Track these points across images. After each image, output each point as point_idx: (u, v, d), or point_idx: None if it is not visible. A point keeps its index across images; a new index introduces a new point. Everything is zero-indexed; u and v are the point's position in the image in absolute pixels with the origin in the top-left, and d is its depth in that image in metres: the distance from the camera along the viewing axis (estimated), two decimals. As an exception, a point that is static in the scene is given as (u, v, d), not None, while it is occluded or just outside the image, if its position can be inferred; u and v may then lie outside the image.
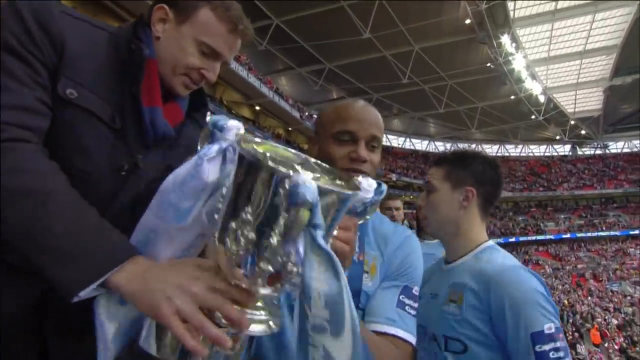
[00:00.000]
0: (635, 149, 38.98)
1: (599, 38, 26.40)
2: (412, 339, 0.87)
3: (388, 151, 37.41)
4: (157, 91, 0.91)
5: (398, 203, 2.89)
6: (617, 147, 39.91)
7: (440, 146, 40.26)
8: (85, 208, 0.70)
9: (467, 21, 23.13)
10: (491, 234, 32.00)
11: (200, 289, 0.55)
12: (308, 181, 0.46)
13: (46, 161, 0.73)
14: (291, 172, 0.46)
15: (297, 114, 25.63)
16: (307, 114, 27.39)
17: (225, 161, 0.55)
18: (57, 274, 0.62)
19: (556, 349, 1.02)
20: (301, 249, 0.48)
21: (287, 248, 0.48)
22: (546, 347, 1.02)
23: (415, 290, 0.93)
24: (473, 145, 40.34)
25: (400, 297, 0.90)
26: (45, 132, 0.78)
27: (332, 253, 0.48)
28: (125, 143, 0.89)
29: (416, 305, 0.92)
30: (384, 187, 0.74)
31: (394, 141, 38.88)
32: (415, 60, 25.30)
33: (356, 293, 0.89)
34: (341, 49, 24.10)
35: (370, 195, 0.66)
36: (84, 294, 0.61)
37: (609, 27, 25.48)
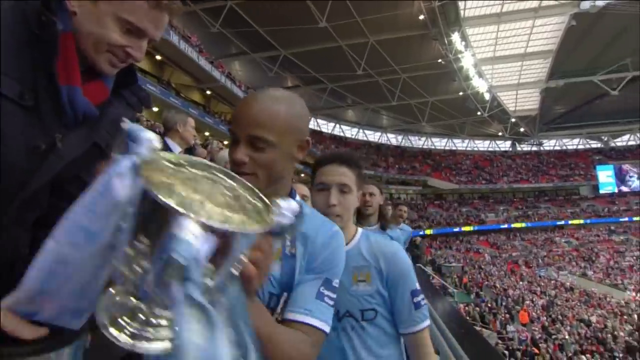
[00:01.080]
0: (565, 147, 42.39)
1: (538, 42, 28.08)
2: (327, 328, 0.93)
3: (342, 141, 37.78)
4: (74, 68, 0.84)
5: (373, 189, 2.76)
6: (550, 144, 42.85)
7: (392, 138, 41.22)
8: None
9: (421, 17, 23.62)
10: (437, 224, 33.98)
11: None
12: (189, 234, 0.43)
13: None
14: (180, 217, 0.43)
15: None
16: None
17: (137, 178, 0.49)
18: None
19: (423, 298, 1.40)
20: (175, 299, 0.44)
21: (162, 295, 0.45)
22: (419, 298, 1.38)
23: (336, 282, 0.98)
24: (423, 139, 42.07)
25: (321, 289, 0.94)
26: None
27: (209, 308, 0.44)
28: (41, 122, 0.82)
29: (334, 296, 0.97)
30: (307, 210, 0.81)
31: (348, 132, 39.32)
32: (370, 52, 25.48)
33: (291, 287, 0.94)
34: (297, 36, 23.64)
35: (286, 220, 0.59)
36: None
37: (546, 33, 27.21)
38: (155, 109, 19.39)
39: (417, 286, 1.40)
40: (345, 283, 1.31)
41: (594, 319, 18.98)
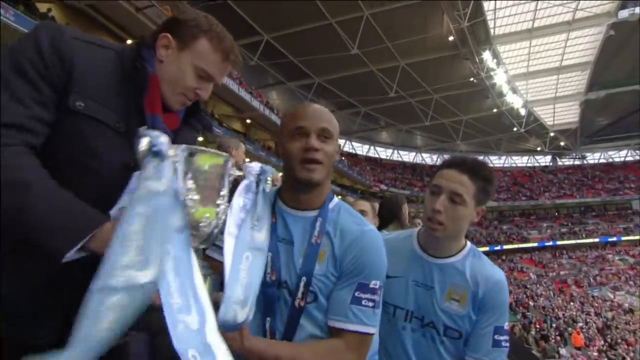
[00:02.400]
0: (611, 160, 40.63)
1: (574, 55, 27.69)
2: (369, 329, 1.02)
3: (377, 162, 38.11)
4: (157, 101, 1.08)
5: (364, 205, 2.67)
6: (594, 157, 41.29)
7: (427, 157, 41.14)
8: (59, 192, 0.86)
9: (451, 38, 24.04)
10: (478, 243, 32.98)
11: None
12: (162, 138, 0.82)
13: (28, 158, 0.88)
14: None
15: None
16: None
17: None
18: (46, 244, 0.81)
19: (506, 341, 1.29)
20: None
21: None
22: (502, 338, 1.28)
23: (374, 284, 1.03)
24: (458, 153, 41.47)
25: (356, 293, 1.02)
26: (38, 143, 0.92)
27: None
28: (131, 144, 0.99)
29: (376, 296, 1.03)
30: (268, 167, 1.05)
31: (382, 153, 39.59)
32: (402, 74, 26.14)
33: (309, 273, 1.04)
34: (330, 64, 24.74)
35: (254, 170, 1.04)
36: (70, 256, 0.81)
37: (582, 44, 26.78)
38: (200, 139, 20.79)
39: (506, 326, 1.31)
40: (437, 295, 1.32)
41: None
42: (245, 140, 22.97)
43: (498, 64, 26.78)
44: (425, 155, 41.04)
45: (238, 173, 1.01)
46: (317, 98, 29.05)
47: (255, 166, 1.05)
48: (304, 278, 1.03)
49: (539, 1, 23.54)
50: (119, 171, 1.00)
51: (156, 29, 1.11)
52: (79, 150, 0.98)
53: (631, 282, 28.08)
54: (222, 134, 20.11)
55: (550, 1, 23.37)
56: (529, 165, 42.61)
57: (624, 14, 23.46)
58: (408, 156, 40.63)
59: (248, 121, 25.08)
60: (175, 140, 1.09)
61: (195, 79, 1.08)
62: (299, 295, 1.03)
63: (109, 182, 0.99)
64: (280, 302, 1.06)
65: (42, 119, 0.91)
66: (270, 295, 1.06)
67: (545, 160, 42.34)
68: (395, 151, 39.93)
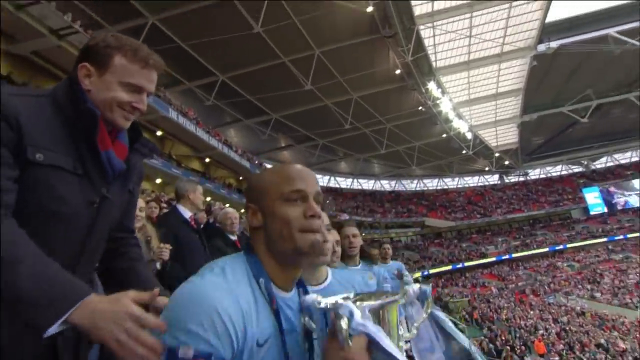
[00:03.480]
0: (549, 174, 43.98)
1: (507, 83, 30.35)
2: None
3: (338, 192, 38.74)
4: (106, 137, 1.10)
5: (355, 230, 2.81)
6: (535, 173, 44.49)
7: (385, 184, 42.49)
8: (47, 266, 0.88)
9: (397, 71, 25.64)
10: (440, 262, 34.12)
11: (130, 325, 0.82)
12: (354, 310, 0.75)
13: (15, 231, 0.90)
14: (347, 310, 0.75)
15: (247, 164, 26.12)
16: (256, 162, 28.06)
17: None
18: (30, 318, 0.84)
19: None
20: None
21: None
22: None
23: None
24: (415, 181, 43.25)
25: None
26: (13, 202, 0.95)
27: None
28: (91, 183, 1.08)
29: None
30: (426, 288, 0.92)
31: (343, 183, 40.34)
32: (355, 107, 27.37)
33: None
34: (285, 100, 25.45)
35: (414, 292, 0.91)
36: (52, 330, 0.82)
37: (512, 74, 29.53)
38: (158, 181, 20.40)
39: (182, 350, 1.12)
40: None
41: (612, 341, 18.69)
42: (204, 179, 22.80)
43: (442, 92, 28.68)
44: (384, 182, 42.36)
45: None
46: (275, 133, 29.61)
47: (415, 288, 0.93)
48: None
49: (471, 37, 26.08)
50: (85, 210, 1.08)
51: (74, 63, 1.12)
52: (47, 199, 1.01)
53: (580, 286, 30.06)
54: (181, 174, 19.83)
55: (480, 36, 25.99)
56: (479, 184, 45.06)
57: (541, 47, 26.52)
58: (367, 184, 41.63)
59: (207, 160, 24.95)
60: (129, 169, 1.19)
61: (127, 94, 1.11)
62: None
63: (77, 223, 1.07)
64: None
65: (10, 177, 0.95)
66: None
67: (493, 178, 44.99)
68: (355, 180, 40.81)
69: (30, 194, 0.99)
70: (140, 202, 2.95)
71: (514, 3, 23.93)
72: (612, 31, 25.80)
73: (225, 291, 0.79)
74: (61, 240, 1.02)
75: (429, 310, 0.94)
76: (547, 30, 26.11)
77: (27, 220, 0.96)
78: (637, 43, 25.09)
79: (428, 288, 0.94)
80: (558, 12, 31.82)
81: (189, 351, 0.72)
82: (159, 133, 21.13)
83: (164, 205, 6.02)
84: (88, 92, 1.08)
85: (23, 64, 13.95)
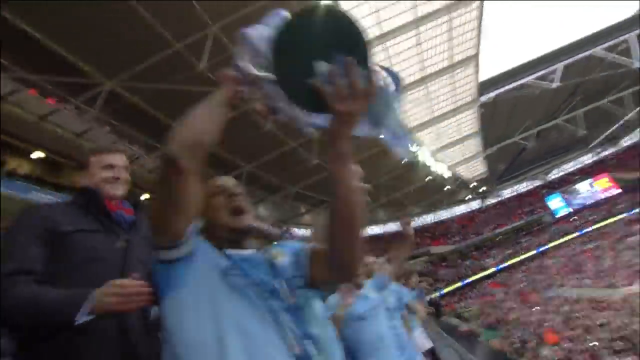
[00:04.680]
0: (519, 191, 49.94)
1: (465, 128, 36.54)
2: None
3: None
4: (111, 204, 1.57)
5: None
6: (507, 192, 50.14)
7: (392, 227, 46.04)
8: (55, 291, 1.26)
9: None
10: (451, 281, 39.27)
11: (112, 287, 1.21)
12: None
13: (35, 288, 1.27)
14: None
15: (277, 231, 29.81)
16: (284, 228, 32.05)
17: None
18: (62, 319, 1.19)
19: None
20: None
21: None
22: None
23: None
24: (415, 218, 48.18)
25: None
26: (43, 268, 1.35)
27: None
28: (115, 234, 1.52)
29: None
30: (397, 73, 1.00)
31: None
32: None
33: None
34: (299, 175, 29.80)
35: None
36: (80, 318, 1.17)
37: (468, 121, 35.77)
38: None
39: None
40: None
41: (609, 320, 19.21)
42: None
43: (419, 146, 33.68)
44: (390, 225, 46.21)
45: None
46: (296, 202, 34.66)
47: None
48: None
49: (430, 101, 34.09)
50: (117, 254, 1.50)
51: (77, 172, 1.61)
52: (84, 250, 1.42)
53: (569, 277, 32.06)
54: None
55: (436, 99, 33.87)
56: (467, 211, 50.38)
57: (483, 98, 34.39)
58: (374, 230, 44.78)
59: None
60: (137, 220, 1.66)
61: (107, 172, 1.63)
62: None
63: (111, 262, 1.46)
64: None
65: (40, 253, 1.37)
66: None
67: (476, 204, 50.53)
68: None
69: (73, 250, 1.41)
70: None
71: (455, 71, 30.58)
72: (528, 79, 32.85)
73: None
74: (101, 278, 1.28)
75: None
76: (484, 86, 32.84)
77: (76, 265, 1.36)
78: (549, 84, 32.79)
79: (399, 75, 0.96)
80: (488, 72, 41.01)
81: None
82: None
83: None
84: (90, 181, 1.66)
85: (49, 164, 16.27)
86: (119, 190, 1.66)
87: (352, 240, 1.04)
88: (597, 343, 15.81)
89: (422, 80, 30.75)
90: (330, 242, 1.07)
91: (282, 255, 1.23)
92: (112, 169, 1.68)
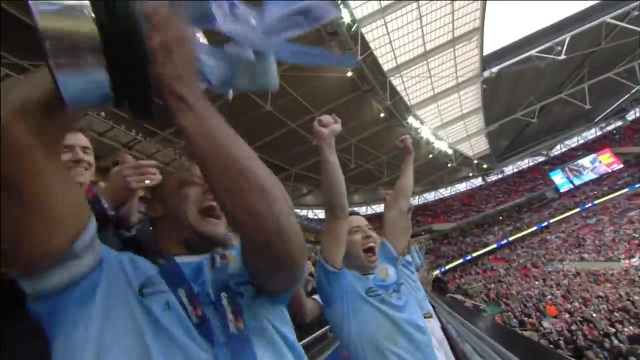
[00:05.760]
0: (521, 168, 49.96)
1: (468, 105, 36.11)
2: None
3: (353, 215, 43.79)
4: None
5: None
6: (509, 169, 50.23)
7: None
8: None
9: (382, 115, 30.85)
10: (453, 258, 39.93)
11: (123, 169, 1.23)
12: None
13: None
14: None
15: None
16: None
17: None
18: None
19: None
20: None
21: None
22: None
23: None
24: (416, 197, 48.48)
25: None
26: None
27: None
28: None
29: None
30: None
31: (357, 209, 45.11)
32: (356, 149, 31.96)
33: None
34: (300, 156, 29.69)
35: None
36: (108, 208, 1.23)
37: (470, 97, 35.42)
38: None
39: None
40: None
41: (608, 292, 19.84)
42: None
43: (421, 123, 33.96)
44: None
45: None
46: (298, 184, 34.66)
47: None
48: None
49: (431, 77, 33.59)
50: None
51: None
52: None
53: (569, 252, 32.85)
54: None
55: (439, 75, 33.42)
56: (468, 188, 50.61)
57: (486, 73, 33.95)
58: (378, 208, 45.39)
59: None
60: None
61: (63, 154, 1.45)
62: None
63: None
64: None
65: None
66: None
67: (478, 181, 50.70)
68: (368, 207, 45.25)
69: None
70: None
71: (457, 45, 30.43)
72: (533, 52, 32.01)
73: None
74: None
75: None
76: (487, 60, 32.19)
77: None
78: (554, 57, 32.19)
79: None
80: (491, 46, 40.01)
81: None
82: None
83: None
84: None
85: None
86: (82, 175, 1.43)
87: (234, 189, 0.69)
88: (595, 315, 16.01)
89: (424, 56, 30.21)
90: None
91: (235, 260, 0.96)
92: (71, 151, 1.45)
